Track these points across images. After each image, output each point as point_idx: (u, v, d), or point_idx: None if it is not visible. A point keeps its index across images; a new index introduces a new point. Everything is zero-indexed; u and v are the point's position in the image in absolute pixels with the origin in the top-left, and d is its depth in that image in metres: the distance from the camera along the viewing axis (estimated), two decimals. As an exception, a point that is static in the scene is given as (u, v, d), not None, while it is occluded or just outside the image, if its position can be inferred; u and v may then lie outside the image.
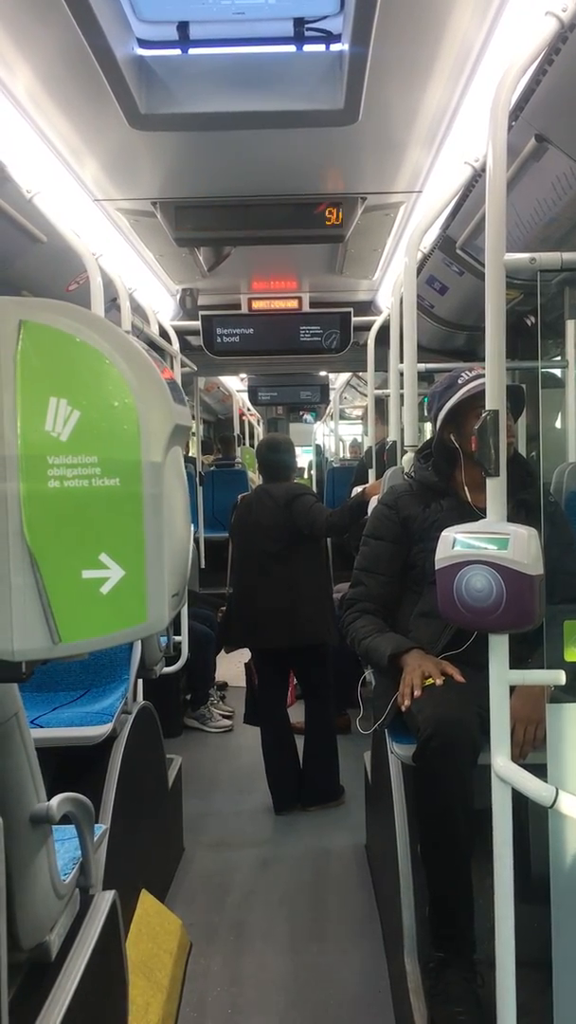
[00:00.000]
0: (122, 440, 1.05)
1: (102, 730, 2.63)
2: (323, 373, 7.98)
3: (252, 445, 11.26)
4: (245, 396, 9.27)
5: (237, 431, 10.02)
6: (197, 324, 4.92)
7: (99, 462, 1.04)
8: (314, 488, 9.29)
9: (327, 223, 3.25)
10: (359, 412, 12.56)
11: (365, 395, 7.66)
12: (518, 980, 1.68)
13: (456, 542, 1.73)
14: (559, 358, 3.61)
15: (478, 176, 2.64)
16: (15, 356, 1.01)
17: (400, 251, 3.92)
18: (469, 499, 2.49)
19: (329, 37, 2.30)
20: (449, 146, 2.69)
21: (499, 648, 1.70)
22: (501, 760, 1.69)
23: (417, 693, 2.23)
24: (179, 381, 4.23)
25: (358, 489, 4.33)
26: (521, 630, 1.70)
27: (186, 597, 1.34)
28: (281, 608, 4.00)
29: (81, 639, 1.05)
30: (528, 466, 2.61)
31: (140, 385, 1.06)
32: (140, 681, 3.17)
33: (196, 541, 6.87)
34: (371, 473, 4.49)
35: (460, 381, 2.44)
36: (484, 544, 1.69)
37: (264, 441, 4.60)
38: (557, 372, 3.86)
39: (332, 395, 9.28)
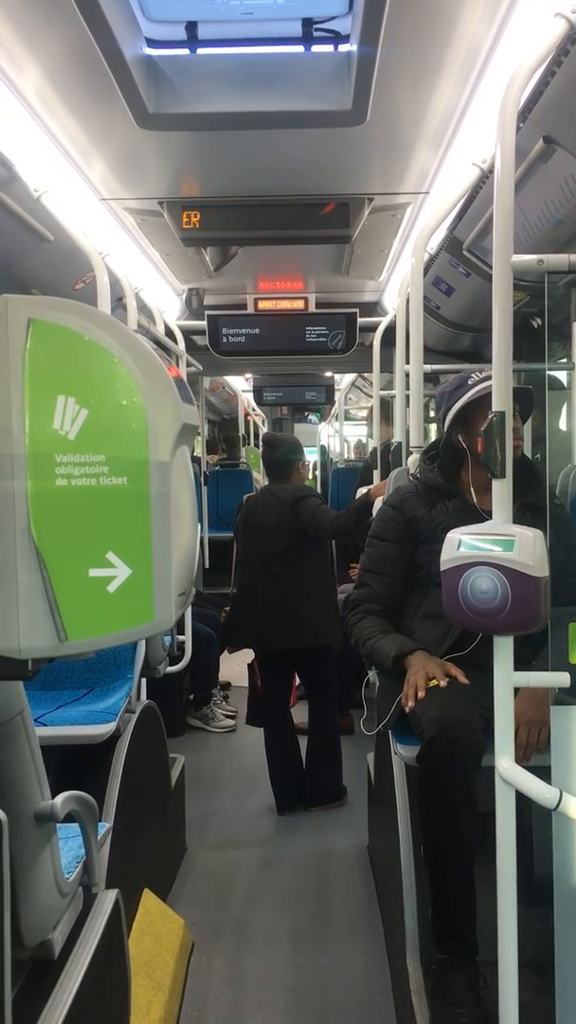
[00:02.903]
0: (130, 439, 1.05)
1: (106, 729, 2.63)
2: (328, 374, 7.97)
3: (257, 445, 11.26)
4: (250, 396, 9.28)
5: (242, 431, 10.02)
6: (203, 324, 4.92)
7: (107, 461, 1.04)
8: (318, 489, 9.30)
9: (334, 224, 3.25)
10: (364, 413, 12.55)
11: (370, 396, 7.66)
12: (520, 982, 1.68)
13: (462, 543, 1.73)
14: (565, 360, 3.61)
15: (485, 177, 2.64)
16: (24, 354, 1.01)
17: (407, 252, 3.91)
18: (475, 501, 2.49)
19: (337, 37, 2.30)
20: (457, 147, 2.68)
21: (504, 650, 1.70)
22: (505, 762, 1.69)
23: (421, 694, 2.22)
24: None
25: (363, 490, 4.33)
26: (526, 632, 1.70)
27: (192, 596, 1.34)
28: (284, 609, 3.99)
29: (87, 637, 1.04)
30: (534, 468, 2.61)
31: (148, 384, 1.06)
32: (144, 680, 3.17)
33: (200, 541, 6.86)
34: (376, 474, 4.49)
35: (470, 382, 2.43)
36: (490, 546, 1.70)
37: (263, 440, 4.60)
38: (559, 374, 3.86)
39: (337, 396, 9.26)
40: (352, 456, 11.04)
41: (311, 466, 11.97)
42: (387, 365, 4.48)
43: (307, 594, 4.02)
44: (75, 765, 2.63)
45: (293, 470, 4.24)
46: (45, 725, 2.64)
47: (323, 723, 4.17)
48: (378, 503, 3.42)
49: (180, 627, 4.10)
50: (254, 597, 4.12)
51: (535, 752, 2.15)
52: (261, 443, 4.48)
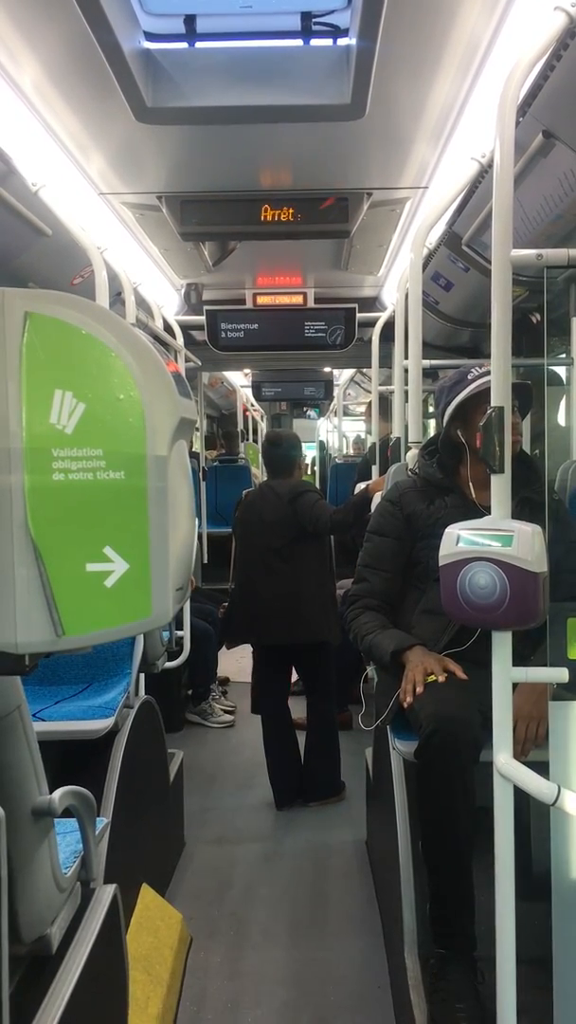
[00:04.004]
0: (127, 433, 1.05)
1: (104, 724, 2.63)
2: (327, 369, 7.97)
3: (256, 441, 11.26)
4: (249, 392, 9.27)
5: (241, 427, 10.01)
6: (202, 319, 4.91)
7: (104, 455, 1.04)
8: (317, 484, 9.29)
9: (333, 219, 3.24)
10: (363, 409, 12.53)
11: (369, 391, 7.64)
12: (518, 977, 1.68)
13: (460, 539, 1.73)
14: (564, 355, 3.60)
15: (484, 172, 2.63)
16: (21, 348, 1.01)
17: (405, 247, 3.91)
18: (473, 496, 2.49)
19: (336, 32, 2.29)
20: (456, 142, 2.68)
21: (502, 645, 1.69)
22: (503, 757, 1.69)
23: (419, 690, 2.22)
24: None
25: (362, 485, 4.33)
26: (524, 627, 1.70)
27: (189, 592, 1.34)
28: (282, 605, 4.00)
29: (85, 632, 1.04)
30: (533, 463, 2.60)
31: (146, 378, 1.06)
32: (142, 676, 3.17)
33: (198, 536, 6.87)
34: (374, 469, 4.49)
35: (469, 377, 2.43)
36: (488, 541, 1.69)
37: (266, 436, 4.60)
38: (556, 369, 3.86)
39: (336, 391, 9.26)
40: (351, 452, 11.04)
41: (310, 462, 11.98)
42: (386, 360, 4.47)
43: (305, 589, 4.02)
44: (73, 760, 2.63)
45: (295, 466, 4.24)
46: (43, 720, 2.64)
47: (321, 718, 4.17)
48: (377, 499, 3.42)
49: (179, 622, 4.10)
50: (252, 592, 4.12)
51: (533, 747, 2.15)
52: (264, 441, 4.49)
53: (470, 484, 2.52)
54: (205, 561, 6.95)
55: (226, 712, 5.38)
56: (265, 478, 4.57)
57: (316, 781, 4.11)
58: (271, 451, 4.30)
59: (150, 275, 4.35)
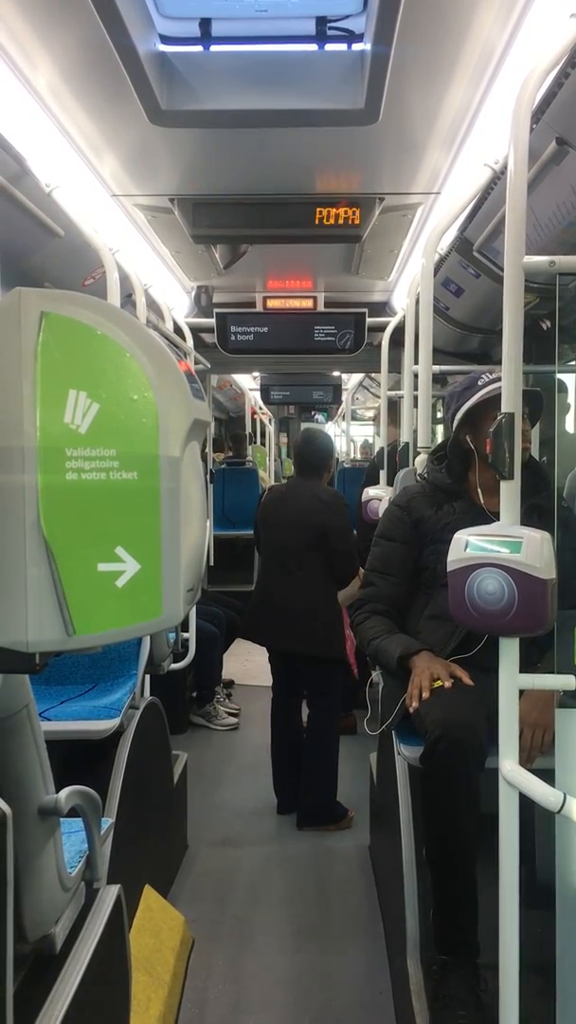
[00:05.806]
0: (141, 434, 1.05)
1: (109, 724, 2.63)
2: (336, 373, 7.98)
3: (263, 444, 11.27)
4: (257, 395, 9.28)
5: (248, 430, 10.03)
6: (211, 321, 4.92)
7: (117, 455, 1.04)
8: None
9: (344, 223, 3.25)
10: (371, 413, 12.56)
11: (377, 396, 7.66)
12: (521, 984, 1.68)
13: (469, 544, 1.73)
14: (573, 362, 3.60)
15: (497, 178, 2.64)
16: (36, 348, 1.01)
17: (416, 252, 3.91)
18: (482, 502, 2.49)
19: (351, 36, 2.30)
20: (469, 148, 2.68)
21: (509, 652, 1.69)
22: (509, 764, 1.68)
23: (426, 695, 2.22)
24: (192, 378, 4.21)
25: (368, 490, 4.32)
26: (532, 634, 1.70)
27: (199, 593, 1.34)
28: (293, 610, 3.90)
29: (95, 632, 1.04)
30: (541, 470, 2.60)
31: (160, 379, 1.06)
32: (147, 677, 3.17)
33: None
34: (382, 474, 4.48)
35: (480, 383, 2.43)
36: (497, 547, 1.69)
37: (301, 434, 4.49)
38: (561, 376, 3.85)
39: (344, 396, 9.27)
40: (358, 456, 11.06)
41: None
42: (395, 365, 4.47)
43: (319, 600, 3.92)
44: (77, 760, 2.63)
45: (326, 467, 4.16)
46: (49, 720, 2.64)
47: (316, 737, 4.00)
48: (384, 504, 3.42)
49: (185, 624, 4.09)
50: (268, 592, 4.04)
51: (539, 755, 2.14)
52: (298, 439, 4.39)
53: (479, 490, 2.52)
54: (211, 563, 6.94)
55: (230, 715, 5.38)
56: (272, 481, 4.54)
57: (306, 806, 3.94)
58: (305, 449, 4.17)
59: (161, 277, 4.37)
